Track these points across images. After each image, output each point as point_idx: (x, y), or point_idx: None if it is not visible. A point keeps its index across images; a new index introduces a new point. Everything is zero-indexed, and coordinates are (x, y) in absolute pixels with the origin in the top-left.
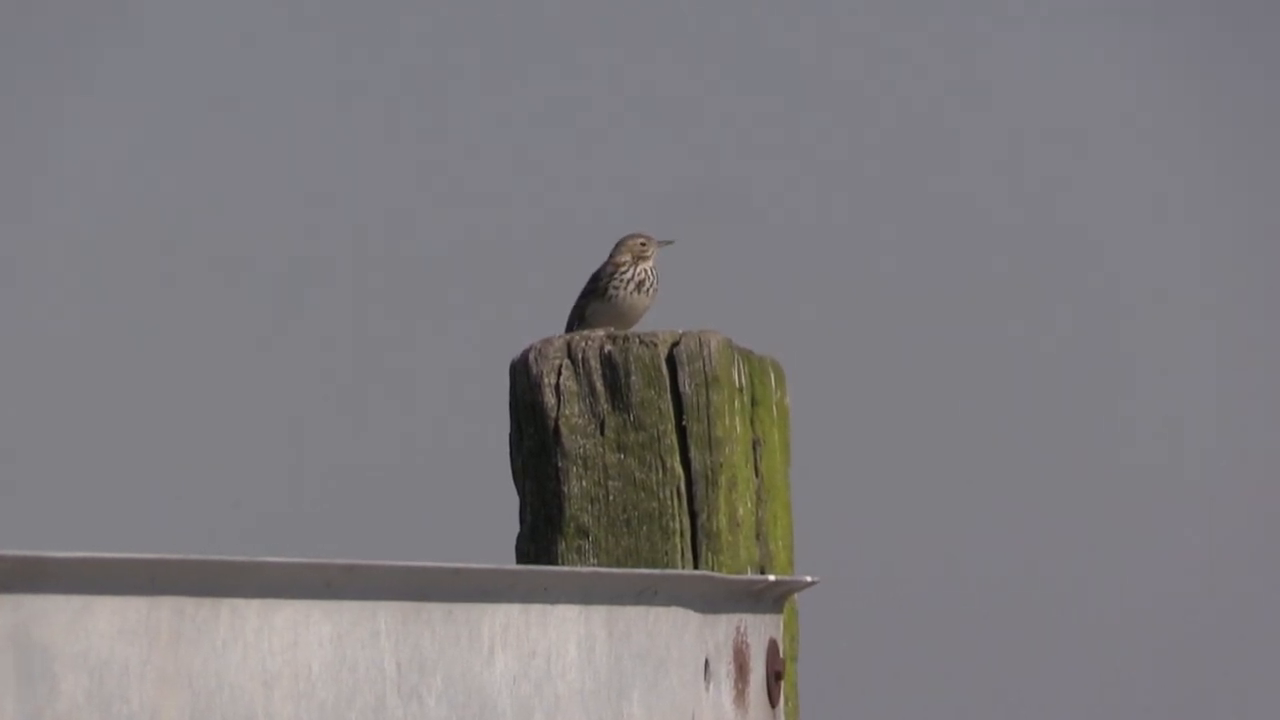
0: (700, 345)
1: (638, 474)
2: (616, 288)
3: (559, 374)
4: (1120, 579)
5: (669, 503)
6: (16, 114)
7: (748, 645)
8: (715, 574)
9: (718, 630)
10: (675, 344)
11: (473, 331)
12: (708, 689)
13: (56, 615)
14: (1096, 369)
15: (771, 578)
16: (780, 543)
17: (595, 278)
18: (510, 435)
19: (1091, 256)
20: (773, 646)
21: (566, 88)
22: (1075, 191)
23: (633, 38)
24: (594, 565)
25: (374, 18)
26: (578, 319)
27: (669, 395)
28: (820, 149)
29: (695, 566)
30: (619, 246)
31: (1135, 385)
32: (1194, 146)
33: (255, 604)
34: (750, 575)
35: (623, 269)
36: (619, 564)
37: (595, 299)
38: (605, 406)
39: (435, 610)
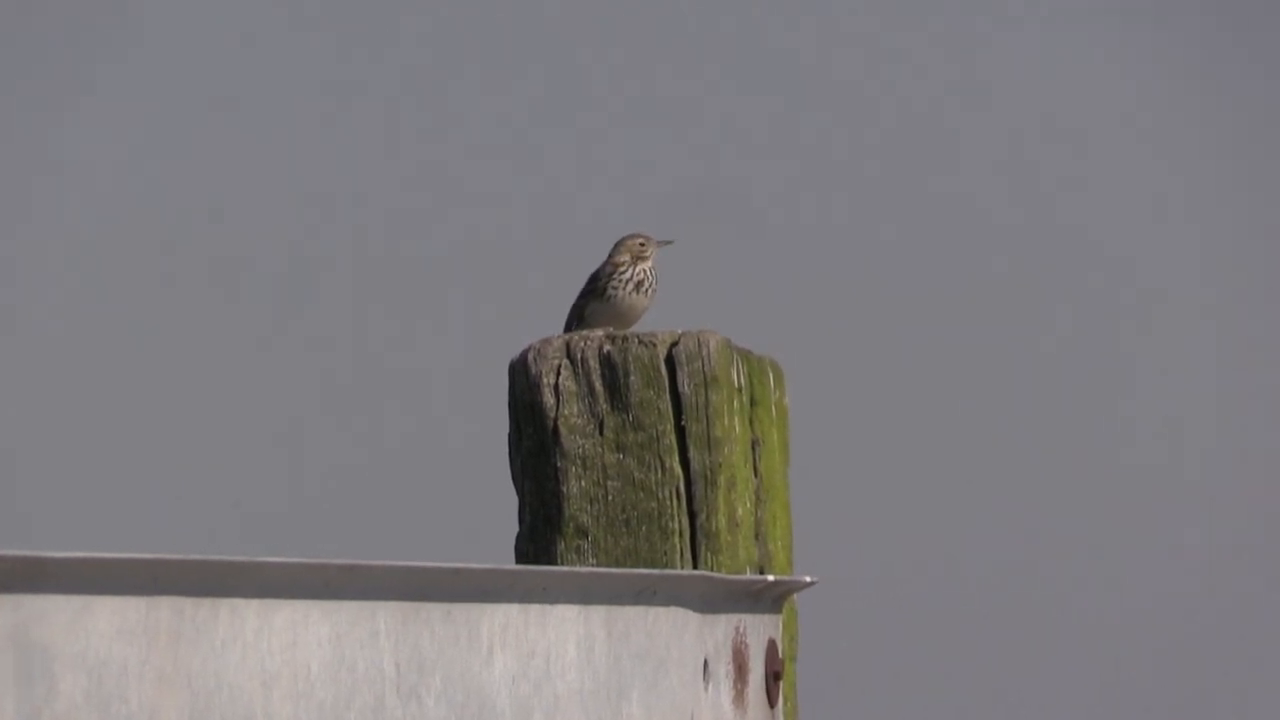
0: (699, 345)
1: (637, 474)
2: (615, 288)
3: (558, 374)
4: (1120, 579)
5: (668, 503)
6: (16, 114)
7: (747, 645)
8: (714, 574)
9: (717, 630)
10: (674, 344)
11: (472, 331)
12: (707, 689)
13: (56, 615)
14: (1096, 369)
15: (770, 578)
16: (779, 543)
17: (594, 278)
18: (509, 435)
19: (1091, 256)
20: (771, 646)
21: (566, 88)
22: (1075, 191)
23: (633, 38)
24: (593, 565)
25: (374, 18)
26: (576, 319)
27: (668, 395)
28: (820, 149)
29: (694, 567)
30: (618, 246)
31: (1135, 385)
32: (1194, 146)
33: (254, 604)
34: (749, 575)
35: (622, 269)
36: (618, 564)
37: (594, 299)
38: (604, 406)
39: (434, 610)
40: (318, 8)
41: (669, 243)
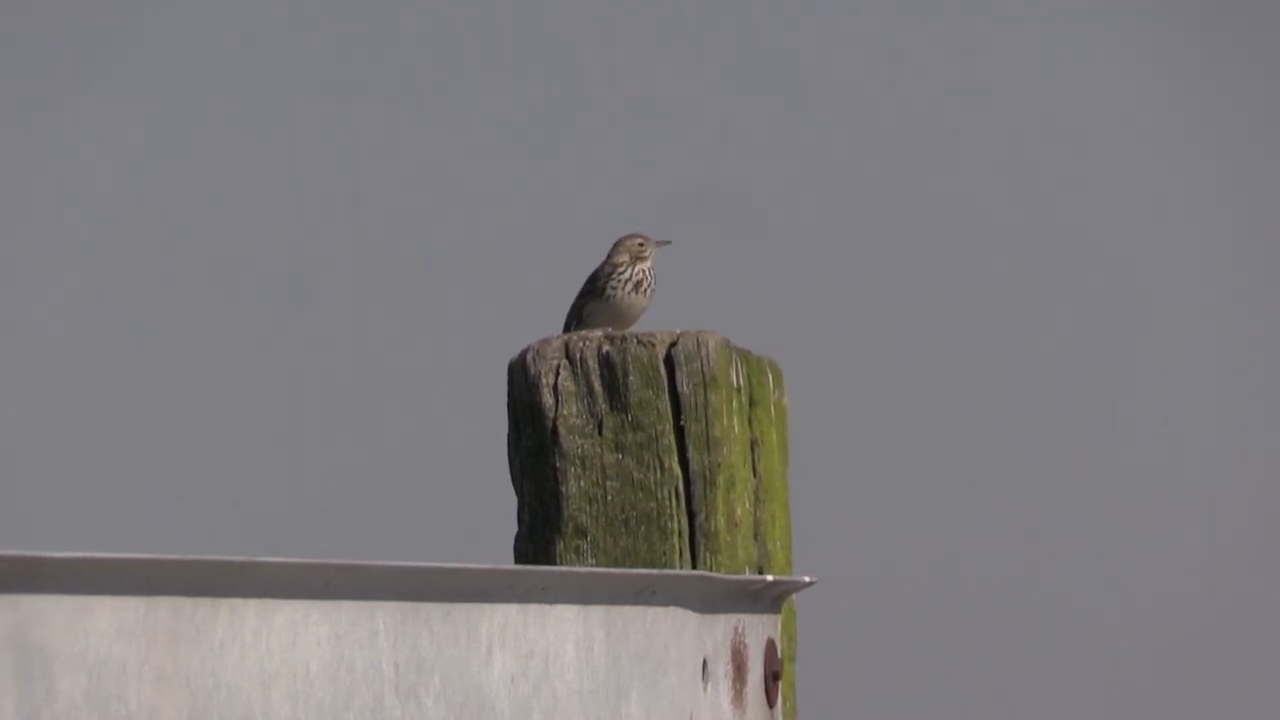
0: (698, 345)
1: (636, 474)
2: (614, 288)
3: (557, 374)
4: (1120, 579)
5: (667, 503)
6: (16, 114)
7: (745, 645)
8: (713, 574)
9: (716, 630)
10: (673, 344)
11: (472, 331)
12: (706, 689)
13: (55, 615)
14: (1096, 369)
15: (769, 578)
16: (778, 543)
17: (593, 278)
18: (508, 435)
19: (1091, 256)
20: (770, 646)
21: (566, 88)
22: (1075, 191)
23: (633, 38)
24: (592, 565)
25: (374, 18)
26: (575, 319)
27: (667, 395)
28: (820, 149)
29: (693, 566)
30: (617, 247)
31: (1135, 385)
32: (1194, 146)
33: (253, 604)
34: (748, 575)
35: (620, 269)
36: (617, 564)
37: (593, 299)
38: (603, 407)
39: (433, 610)
40: (318, 8)
41: (667, 243)
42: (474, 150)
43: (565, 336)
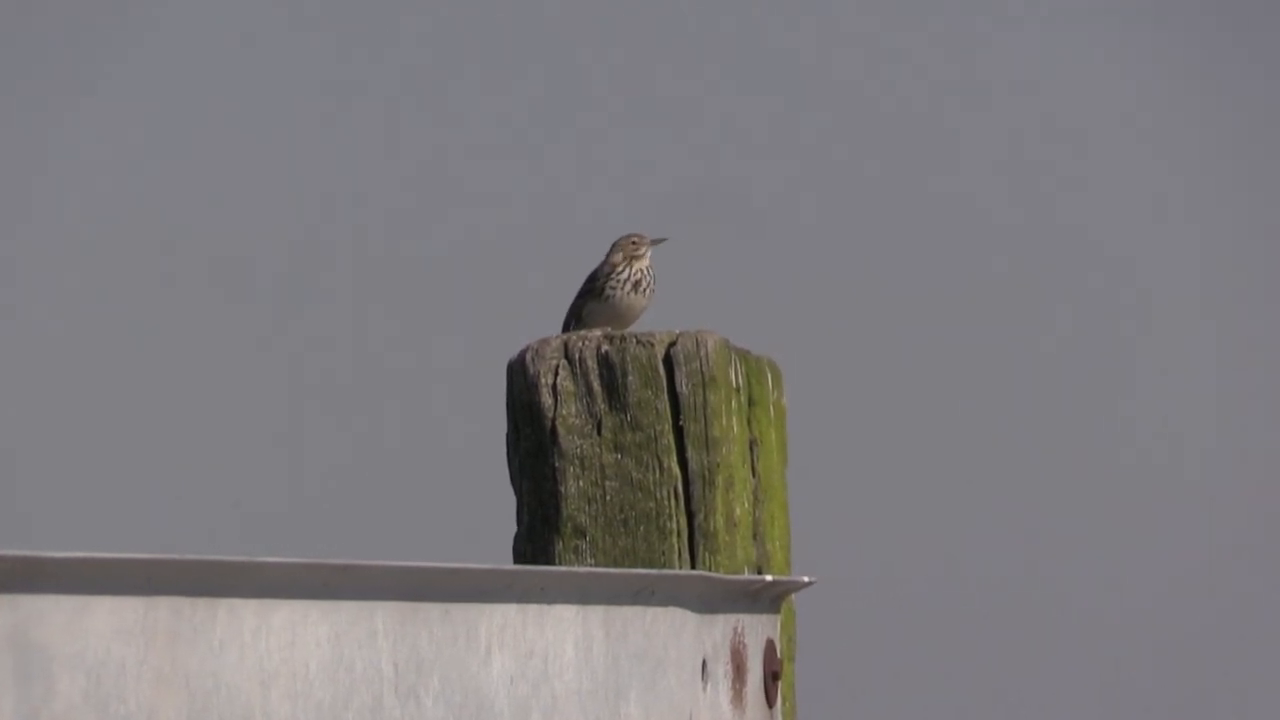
0: (697, 345)
1: (635, 474)
2: (613, 288)
3: (556, 374)
4: (1120, 579)
5: (666, 503)
6: (16, 114)
7: (745, 645)
8: (712, 574)
9: (715, 630)
10: (672, 344)
11: (471, 331)
12: (705, 689)
13: (54, 615)
14: (1096, 369)
15: (768, 578)
16: (777, 543)
17: (592, 278)
18: (507, 435)
19: (1091, 256)
20: (770, 646)
21: (566, 88)
22: (1075, 191)
23: (633, 38)
24: (591, 565)
25: (374, 18)
26: (575, 319)
27: (666, 395)
28: (820, 149)
29: (692, 566)
30: (614, 247)
31: (1135, 385)
32: (1194, 146)
33: (252, 604)
34: (747, 575)
35: (619, 269)
36: (616, 564)
37: (592, 299)
38: (602, 406)
39: (432, 610)
40: (318, 8)
41: (662, 240)
42: (474, 150)
43: (564, 336)
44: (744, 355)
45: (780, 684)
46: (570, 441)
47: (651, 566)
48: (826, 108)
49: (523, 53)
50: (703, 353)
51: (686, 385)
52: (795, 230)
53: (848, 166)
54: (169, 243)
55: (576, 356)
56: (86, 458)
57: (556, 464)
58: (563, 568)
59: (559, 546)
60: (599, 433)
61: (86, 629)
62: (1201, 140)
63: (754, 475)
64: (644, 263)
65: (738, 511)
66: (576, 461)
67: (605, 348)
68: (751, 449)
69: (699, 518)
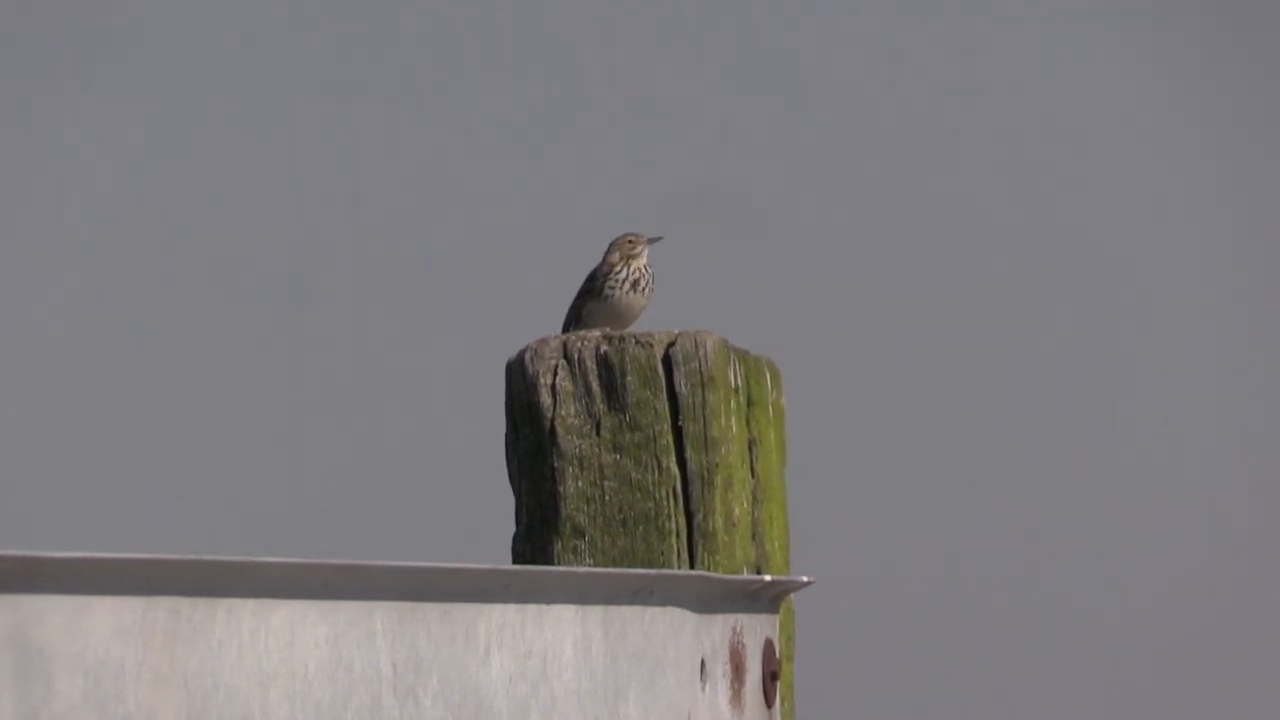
0: (696, 346)
1: (634, 474)
2: (612, 288)
3: (555, 374)
4: (1120, 579)
5: (665, 503)
6: (16, 114)
7: (744, 645)
8: (711, 574)
9: (714, 630)
10: (671, 344)
11: (471, 331)
12: (704, 689)
13: (53, 615)
14: (1096, 369)
15: (767, 578)
16: (776, 543)
17: (591, 278)
18: (506, 435)
19: (1091, 256)
20: (769, 646)
21: (566, 88)
22: (1075, 191)
23: (633, 38)
24: (590, 565)
25: (374, 18)
26: (574, 319)
27: (665, 395)
28: (820, 149)
29: (691, 567)
30: (611, 247)
31: (1135, 385)
32: (1194, 146)
33: (251, 604)
34: (746, 575)
35: (617, 268)
36: (615, 564)
37: (591, 299)
38: (601, 407)
39: (431, 610)
40: (318, 8)
41: (658, 239)
42: (474, 150)
43: (563, 336)
44: (743, 355)
45: (779, 684)
46: (569, 441)
47: (650, 566)
48: (826, 108)
49: (523, 53)
50: (701, 353)
51: (685, 385)
52: (795, 230)
53: (848, 166)
54: (169, 243)
55: (575, 357)
56: (86, 458)
57: (555, 464)
58: (562, 568)
59: (558, 546)
60: (598, 433)
61: (86, 629)
62: (1201, 140)
63: (753, 475)
64: (641, 261)
65: (736, 511)
66: (575, 462)
67: (604, 348)
68: (750, 449)
69: (698, 518)
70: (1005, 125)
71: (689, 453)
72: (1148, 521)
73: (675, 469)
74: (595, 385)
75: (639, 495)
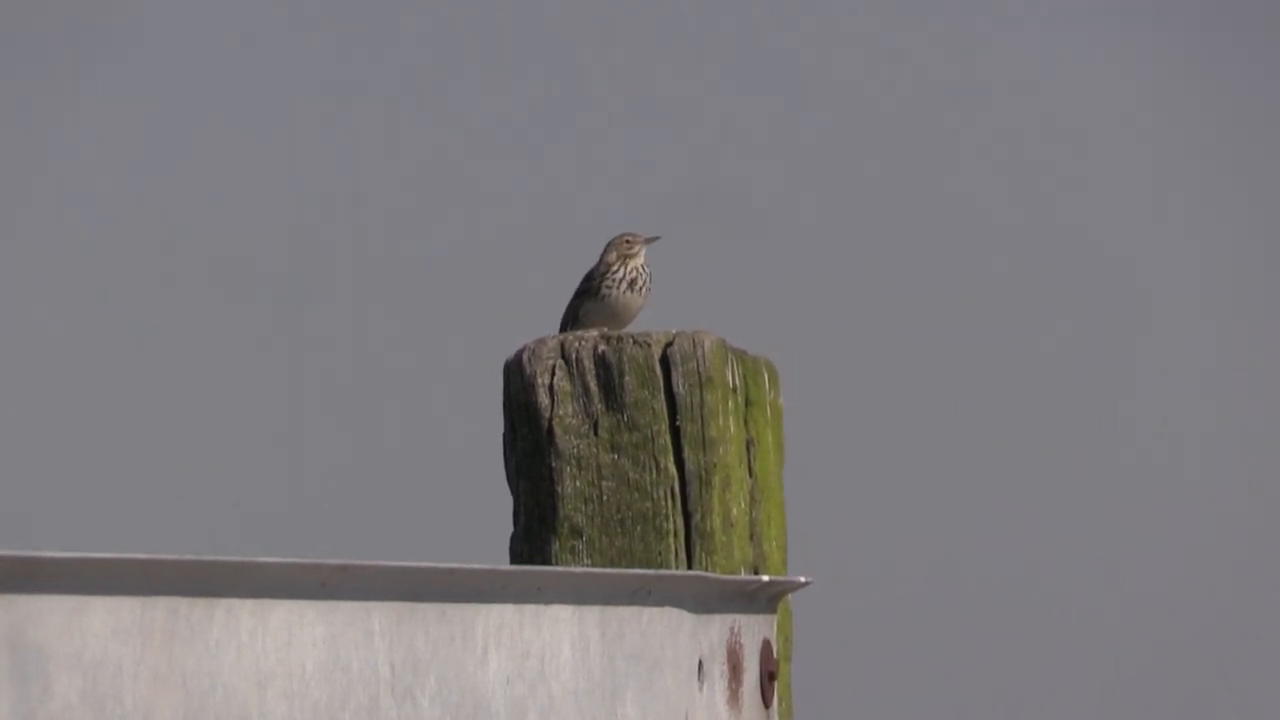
0: (694, 346)
1: (631, 474)
2: (610, 287)
3: (553, 374)
4: (1120, 579)
5: (663, 503)
6: (16, 114)
7: (741, 645)
8: (709, 574)
9: (711, 630)
10: (669, 344)
11: (471, 331)
12: (701, 689)
13: (51, 615)
14: (1096, 369)
15: (765, 578)
16: (774, 543)
17: (588, 277)
18: (504, 435)
19: (1091, 256)
20: (766, 647)
21: (566, 88)
22: (1075, 191)
23: (633, 38)
24: (588, 565)
25: (374, 18)
26: (572, 319)
27: (663, 395)
28: (820, 149)
29: (689, 567)
30: (608, 246)
31: (1135, 385)
32: (1194, 146)
33: (249, 604)
34: (744, 576)
35: (614, 268)
36: (613, 564)
37: (589, 299)
38: (599, 407)
39: (429, 610)
40: (318, 8)
41: (655, 238)
42: (474, 150)
43: (561, 336)
44: (741, 355)
45: (777, 684)
46: (567, 441)
47: (648, 567)
48: (826, 108)
49: (523, 53)
50: (699, 353)
51: (683, 385)
52: (794, 230)
53: (848, 166)
54: (169, 243)
55: (573, 356)
56: (86, 458)
57: (553, 464)
58: (559, 568)
59: (556, 546)
60: (596, 433)
61: (83, 629)
62: (1201, 140)
63: (751, 475)
64: (639, 261)
65: (734, 512)
66: (573, 462)
67: (602, 348)
68: (748, 449)
69: (696, 518)
70: (1005, 125)
71: (687, 453)
72: (1148, 521)
73: (673, 469)
74: (593, 385)
75: (637, 495)
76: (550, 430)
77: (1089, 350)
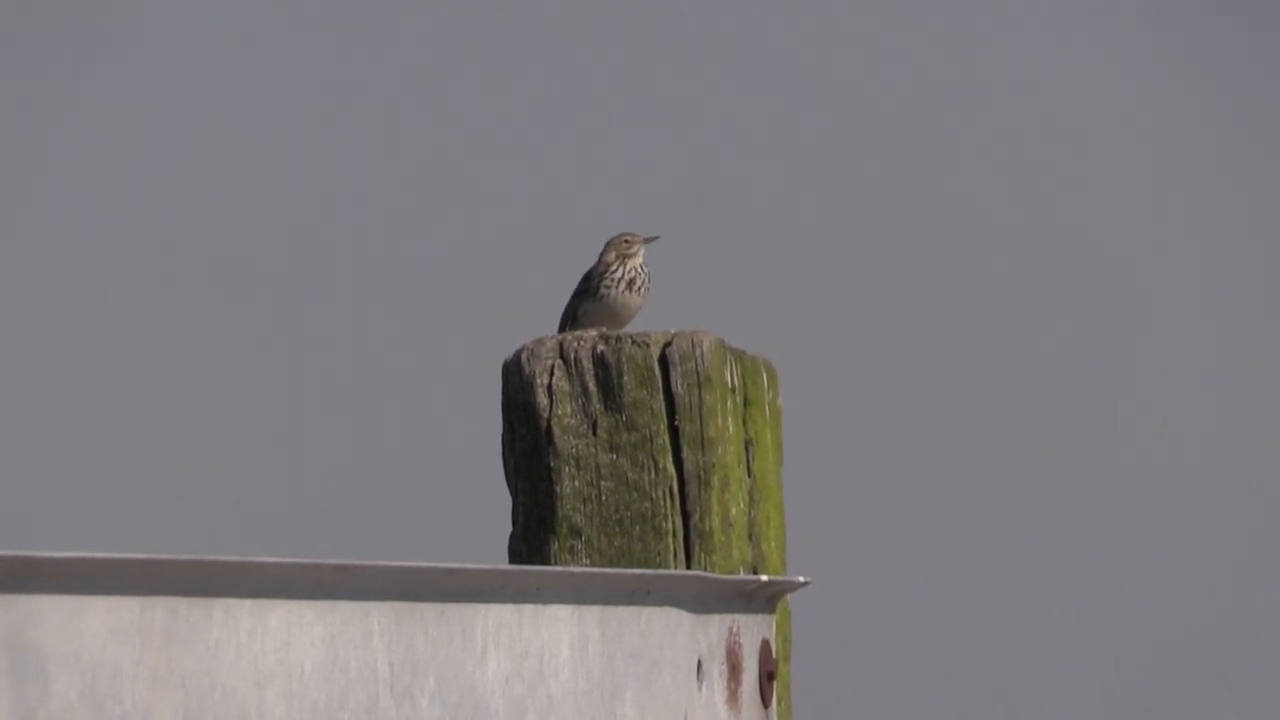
0: (693, 345)
1: (630, 474)
2: (608, 287)
3: (551, 374)
4: (1120, 579)
5: (661, 503)
6: (16, 114)
7: (740, 645)
8: (708, 574)
9: (710, 630)
10: (667, 344)
11: (471, 331)
12: (700, 689)
13: (50, 615)
14: (1096, 369)
15: (764, 578)
16: (773, 543)
17: (587, 277)
18: (503, 435)
19: (1091, 256)
20: (765, 646)
21: (566, 88)
22: (1075, 191)
23: (633, 38)
24: (587, 565)
25: (374, 18)
26: (571, 319)
27: (661, 395)
28: (820, 149)
29: (688, 567)
30: (607, 246)
31: (1135, 385)
32: (1194, 146)
33: (248, 604)
34: (743, 575)
35: (612, 268)
36: (611, 564)
37: (587, 299)
38: (598, 407)
39: (428, 610)
40: (318, 8)
41: (654, 238)
42: (474, 150)
43: (560, 336)
44: (740, 355)
45: (776, 684)
46: (565, 441)
47: (647, 566)
48: (826, 108)
49: (523, 53)
50: (698, 353)
51: (682, 385)
52: (794, 230)
53: (847, 166)
54: (169, 243)
55: (572, 356)
56: (85, 457)
57: (552, 464)
58: (558, 568)
59: (554, 546)
60: (594, 433)
61: (82, 629)
62: (1201, 140)
63: (749, 475)
64: (637, 261)
65: (733, 511)
66: (572, 461)
67: (600, 348)
68: (747, 449)
69: (694, 518)
70: (1005, 125)
71: (685, 452)
72: (1148, 521)
73: (672, 469)
74: (592, 385)
75: (635, 495)
76: (549, 430)
77: (1089, 350)
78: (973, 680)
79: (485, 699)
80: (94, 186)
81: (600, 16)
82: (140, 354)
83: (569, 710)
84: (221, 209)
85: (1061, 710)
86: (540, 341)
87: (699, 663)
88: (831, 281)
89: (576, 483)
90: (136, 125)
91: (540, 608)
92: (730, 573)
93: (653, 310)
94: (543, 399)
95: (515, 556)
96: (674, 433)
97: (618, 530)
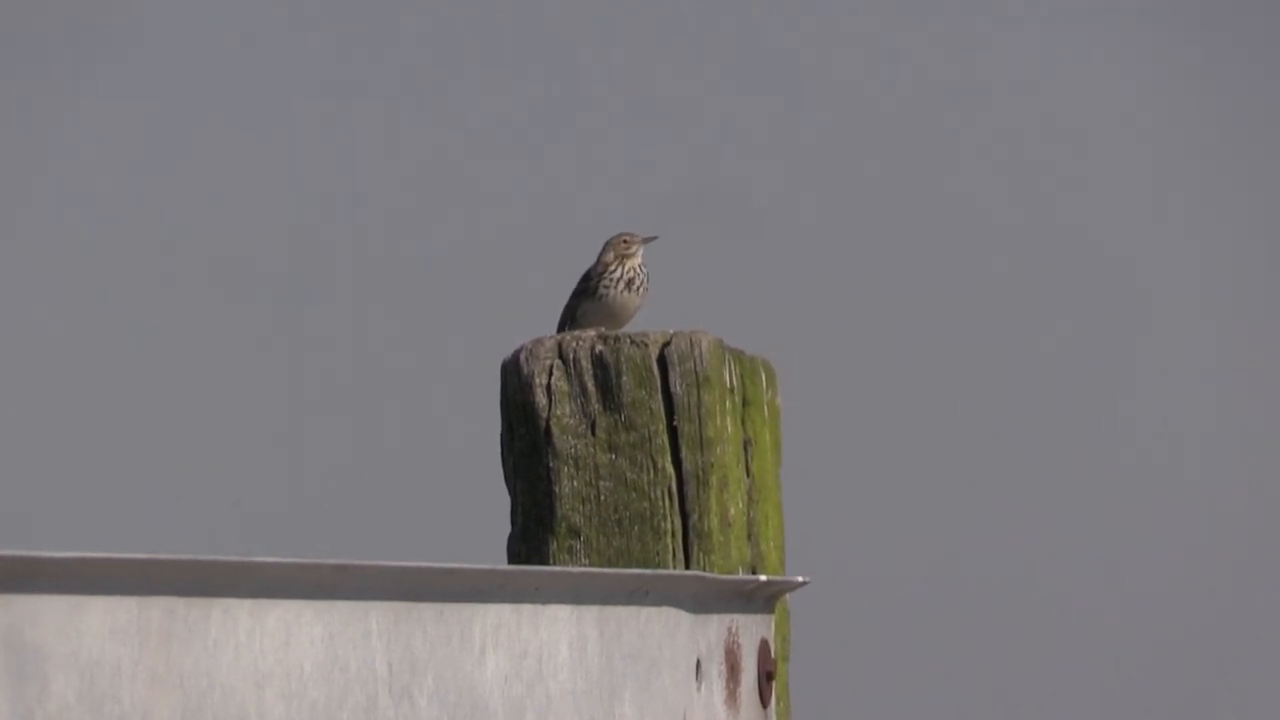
0: (691, 345)
1: (629, 474)
2: (607, 287)
3: (550, 374)
4: (1120, 579)
5: (660, 503)
6: (16, 114)
7: (739, 645)
8: (707, 574)
9: (709, 630)
10: (666, 344)
11: (471, 331)
12: (699, 689)
13: (49, 615)
14: (1096, 369)
15: (763, 578)
16: (771, 543)
17: (586, 277)
18: (502, 435)
19: (1091, 256)
20: (764, 646)
21: (566, 88)
22: (1075, 191)
23: (633, 38)
24: (585, 565)
25: (374, 18)
26: (569, 319)
27: (660, 395)
28: (820, 149)
29: (687, 567)
30: (605, 246)
31: (1135, 385)
32: (1194, 146)
33: (247, 604)
34: (742, 575)
35: (611, 268)
36: (610, 564)
37: (586, 299)
38: (596, 407)
39: (427, 610)
40: (318, 8)
41: (653, 238)
42: (474, 150)
43: (558, 336)
44: (738, 355)
45: (774, 684)
46: (564, 441)
47: (646, 566)
48: (826, 108)
49: (523, 53)
50: (697, 353)
51: (681, 385)
52: (794, 230)
53: (847, 166)
54: (169, 243)
55: (571, 356)
56: (85, 457)
57: (551, 464)
58: (557, 568)
59: (553, 546)
60: (593, 433)
61: (81, 629)
62: (1201, 140)
63: (748, 475)
64: (636, 261)
65: (732, 511)
66: (571, 462)
67: (599, 348)
68: (746, 449)
69: (693, 518)
70: (1005, 125)
71: (684, 452)
72: (1148, 521)
73: (670, 469)
74: (590, 385)
75: (634, 495)
76: (548, 430)
77: (1089, 350)
78: (973, 680)
79: (484, 699)
80: (94, 186)
81: (600, 16)
82: (140, 354)
83: (568, 710)
84: (221, 209)
85: (1061, 710)
86: (539, 341)
87: (698, 663)
88: (831, 281)
89: (575, 483)
90: (136, 125)
91: (539, 608)
92: (729, 573)
93: (651, 310)
94: (541, 399)
95: (514, 556)
96: (673, 433)
97: (616, 530)
